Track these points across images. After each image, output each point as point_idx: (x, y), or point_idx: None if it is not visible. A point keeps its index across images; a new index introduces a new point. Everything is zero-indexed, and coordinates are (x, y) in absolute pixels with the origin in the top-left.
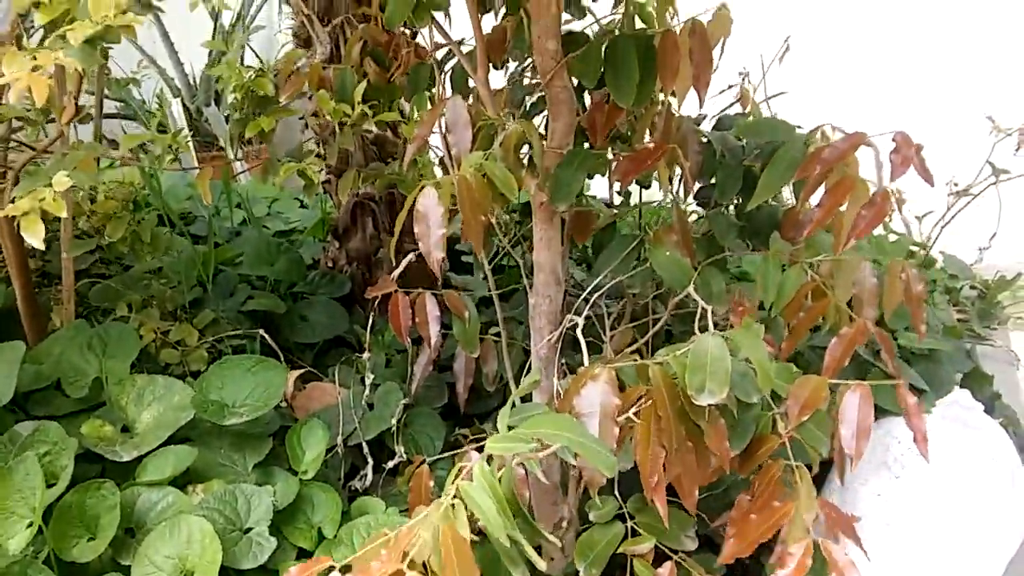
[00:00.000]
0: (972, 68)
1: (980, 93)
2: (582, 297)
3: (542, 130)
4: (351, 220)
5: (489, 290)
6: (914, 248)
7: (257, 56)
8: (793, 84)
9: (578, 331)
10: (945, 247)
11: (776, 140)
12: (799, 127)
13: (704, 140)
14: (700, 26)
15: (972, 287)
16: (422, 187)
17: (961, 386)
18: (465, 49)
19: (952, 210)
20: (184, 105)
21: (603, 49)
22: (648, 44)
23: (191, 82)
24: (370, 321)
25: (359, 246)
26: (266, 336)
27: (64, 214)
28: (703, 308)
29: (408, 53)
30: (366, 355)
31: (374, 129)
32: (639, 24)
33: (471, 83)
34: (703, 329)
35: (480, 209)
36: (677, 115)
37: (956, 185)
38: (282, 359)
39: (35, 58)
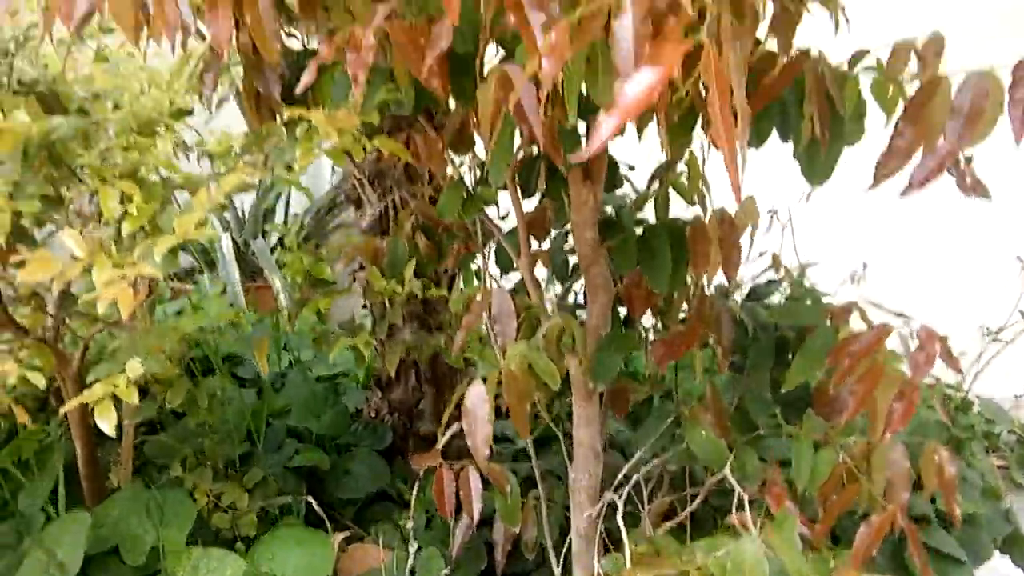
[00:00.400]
0: (1004, 208)
1: (1012, 234)
2: (620, 476)
3: (581, 298)
4: (394, 373)
5: (528, 453)
6: (949, 391)
7: (304, 190)
8: (821, 226)
9: (618, 516)
10: (981, 390)
11: (809, 322)
12: (829, 297)
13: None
14: (728, 216)
15: (1011, 431)
16: (470, 381)
17: (1001, 551)
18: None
19: (986, 355)
20: (232, 238)
21: (638, 238)
22: (680, 233)
23: (239, 216)
24: (416, 484)
25: (401, 397)
26: (312, 502)
27: (135, 401)
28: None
29: (460, 247)
30: (409, 524)
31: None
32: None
33: None
34: (739, 508)
35: (526, 399)
36: (710, 293)
37: (989, 330)
38: (327, 521)
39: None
